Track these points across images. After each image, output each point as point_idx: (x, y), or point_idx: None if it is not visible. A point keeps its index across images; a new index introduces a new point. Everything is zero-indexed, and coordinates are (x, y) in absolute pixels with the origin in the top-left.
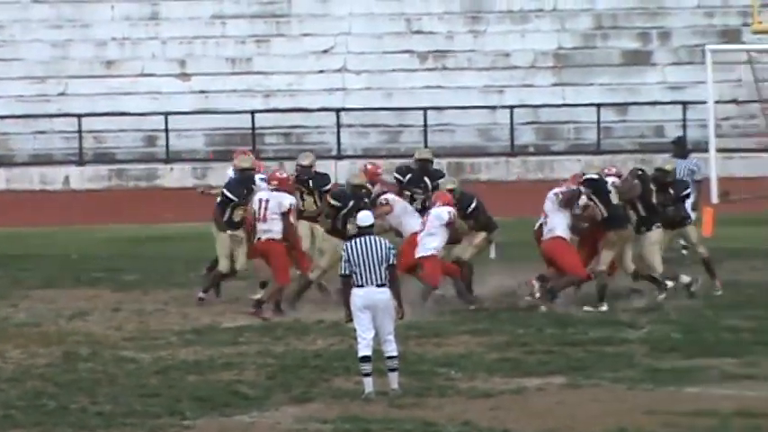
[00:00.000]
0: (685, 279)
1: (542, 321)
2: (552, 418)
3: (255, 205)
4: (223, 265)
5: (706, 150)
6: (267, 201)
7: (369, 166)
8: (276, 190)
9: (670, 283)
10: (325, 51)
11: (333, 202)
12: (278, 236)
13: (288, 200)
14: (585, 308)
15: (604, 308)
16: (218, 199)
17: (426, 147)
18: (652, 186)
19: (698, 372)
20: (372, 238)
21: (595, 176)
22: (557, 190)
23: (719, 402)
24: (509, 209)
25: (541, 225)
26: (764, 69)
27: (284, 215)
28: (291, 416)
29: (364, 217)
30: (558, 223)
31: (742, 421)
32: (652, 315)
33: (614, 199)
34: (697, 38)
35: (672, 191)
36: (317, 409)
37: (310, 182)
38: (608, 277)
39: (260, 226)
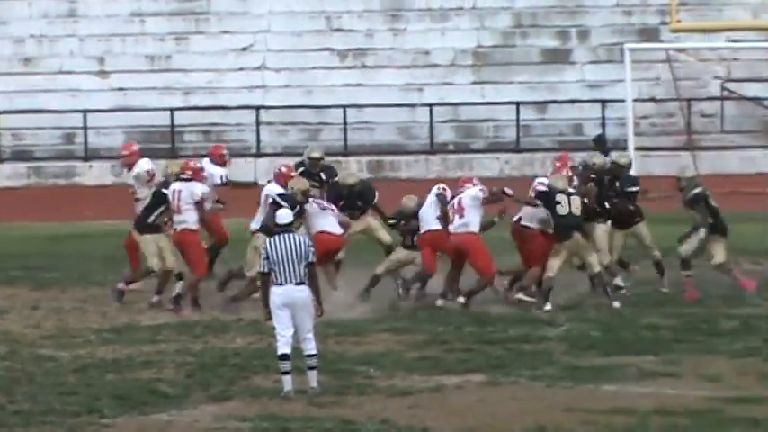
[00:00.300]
0: (619, 282)
1: (461, 320)
2: (471, 416)
3: (170, 197)
4: (153, 264)
5: (625, 149)
6: (180, 191)
7: (283, 169)
8: (189, 180)
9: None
10: (244, 49)
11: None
12: (193, 226)
13: (200, 189)
14: (519, 295)
15: (548, 307)
16: (147, 201)
17: (346, 145)
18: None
19: (616, 369)
20: (292, 235)
21: (545, 189)
22: (483, 186)
23: (638, 400)
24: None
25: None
26: (683, 68)
27: (197, 204)
28: (210, 414)
29: (283, 215)
30: (472, 220)
31: (660, 419)
32: (571, 313)
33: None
34: (616, 36)
35: (618, 185)
36: (236, 407)
37: (322, 174)
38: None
39: (175, 217)
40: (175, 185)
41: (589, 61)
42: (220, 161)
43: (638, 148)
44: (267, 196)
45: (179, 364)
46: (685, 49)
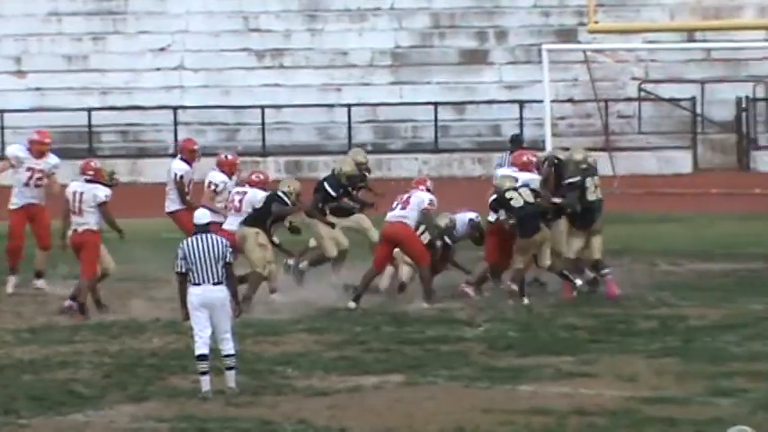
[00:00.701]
0: (579, 281)
1: (379, 320)
2: (389, 417)
3: (69, 197)
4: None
5: (542, 149)
6: (81, 193)
7: (230, 156)
8: (90, 181)
9: (579, 282)
10: (162, 49)
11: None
12: (94, 227)
13: (102, 191)
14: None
15: (526, 301)
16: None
17: (264, 146)
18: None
19: (534, 370)
20: (210, 235)
21: (494, 196)
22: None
23: (555, 400)
24: None
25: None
26: (600, 69)
27: (100, 206)
28: (127, 414)
29: (201, 215)
30: (411, 215)
31: (578, 419)
32: (489, 313)
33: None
34: (533, 37)
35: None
36: (154, 407)
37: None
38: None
39: (75, 219)
40: (75, 186)
41: (507, 62)
42: (190, 156)
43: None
44: (211, 182)
45: (96, 364)
46: (603, 50)
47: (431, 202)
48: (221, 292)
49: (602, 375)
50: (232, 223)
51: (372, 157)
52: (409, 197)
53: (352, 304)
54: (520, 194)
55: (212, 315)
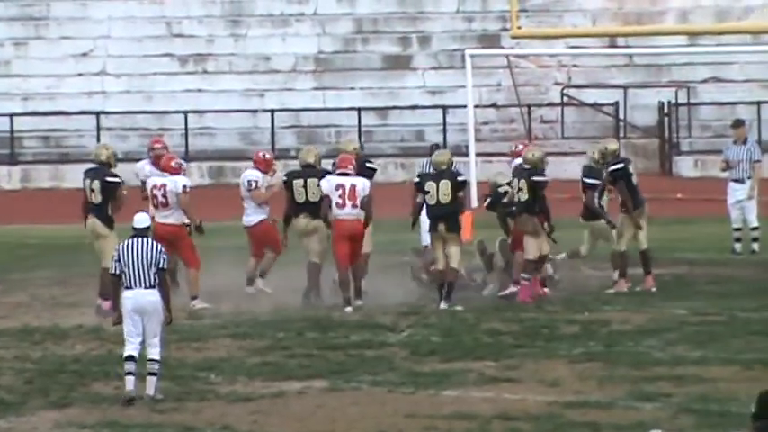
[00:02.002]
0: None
1: (302, 325)
2: (312, 422)
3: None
4: None
5: (466, 155)
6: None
7: (267, 156)
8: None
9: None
10: (84, 54)
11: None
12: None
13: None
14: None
15: (443, 305)
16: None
17: (187, 151)
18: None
19: (457, 375)
20: (145, 239)
21: (490, 195)
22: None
23: (479, 405)
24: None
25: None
26: (523, 74)
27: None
28: (50, 421)
29: (140, 219)
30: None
31: (501, 424)
32: (412, 319)
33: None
34: (457, 43)
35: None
36: (76, 414)
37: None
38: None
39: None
40: (156, 180)
41: (430, 67)
42: (175, 171)
43: (479, 154)
44: (249, 181)
45: (18, 370)
46: (526, 56)
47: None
48: (153, 296)
49: (526, 380)
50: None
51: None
52: (354, 189)
53: (349, 309)
54: (437, 189)
55: (143, 320)
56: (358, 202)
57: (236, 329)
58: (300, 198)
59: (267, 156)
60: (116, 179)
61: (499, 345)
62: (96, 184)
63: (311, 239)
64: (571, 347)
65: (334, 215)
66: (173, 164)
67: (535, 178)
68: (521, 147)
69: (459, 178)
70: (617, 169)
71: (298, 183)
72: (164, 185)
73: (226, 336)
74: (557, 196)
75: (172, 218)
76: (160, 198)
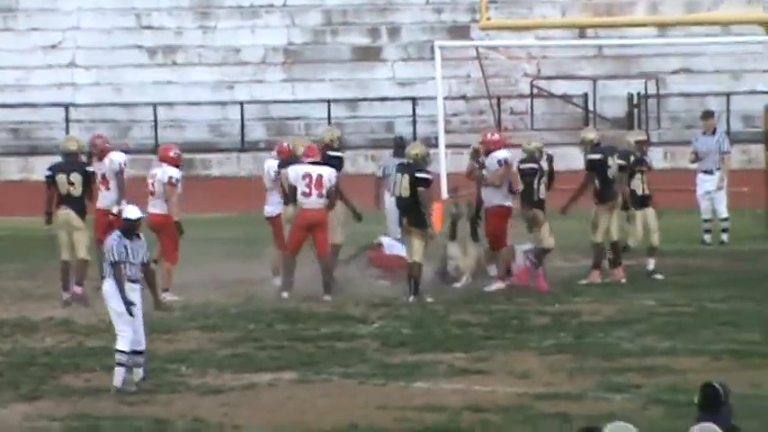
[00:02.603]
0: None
1: (273, 317)
2: (283, 414)
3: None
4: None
5: (436, 146)
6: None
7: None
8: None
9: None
10: (53, 46)
11: None
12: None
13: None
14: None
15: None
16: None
17: (156, 143)
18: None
19: (428, 367)
20: (135, 234)
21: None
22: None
23: (449, 397)
24: (239, 204)
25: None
26: (493, 65)
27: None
28: (20, 413)
29: (131, 210)
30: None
31: (471, 416)
32: (382, 311)
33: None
34: (426, 34)
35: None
36: (47, 406)
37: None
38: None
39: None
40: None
41: (400, 59)
42: (173, 162)
43: (448, 146)
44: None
45: None
46: (495, 47)
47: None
48: (136, 292)
49: (496, 372)
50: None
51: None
52: (320, 179)
53: (285, 295)
54: (400, 183)
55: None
56: (324, 192)
57: (206, 321)
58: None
59: (291, 146)
60: (93, 168)
61: (469, 336)
62: (76, 177)
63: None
64: (541, 339)
65: (300, 204)
66: (171, 154)
67: (418, 175)
68: (496, 135)
69: (418, 174)
70: (593, 159)
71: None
72: (154, 174)
73: (196, 328)
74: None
75: (159, 207)
76: (149, 186)
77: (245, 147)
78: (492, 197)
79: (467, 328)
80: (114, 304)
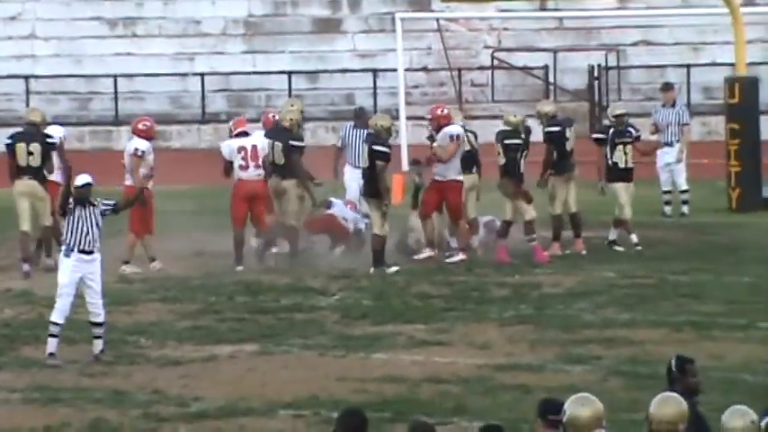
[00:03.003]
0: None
1: (233, 289)
2: (243, 386)
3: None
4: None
5: (396, 118)
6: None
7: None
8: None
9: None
10: (12, 18)
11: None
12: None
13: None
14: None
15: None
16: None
17: (117, 115)
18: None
19: (388, 338)
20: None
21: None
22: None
23: (409, 368)
24: (200, 177)
25: None
26: (453, 37)
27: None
28: None
29: (81, 177)
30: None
31: (430, 387)
32: (343, 282)
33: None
34: (387, 6)
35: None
36: (6, 378)
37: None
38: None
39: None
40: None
41: (360, 30)
42: (142, 133)
43: (409, 118)
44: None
45: None
46: (456, 19)
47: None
48: (91, 263)
49: (456, 343)
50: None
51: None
52: (255, 149)
53: (240, 268)
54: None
55: (84, 283)
56: (260, 162)
57: (167, 293)
58: (269, 159)
59: (276, 116)
60: (55, 140)
61: (429, 308)
62: (36, 147)
63: (283, 201)
64: (502, 311)
65: (237, 177)
66: (140, 126)
67: (375, 147)
68: (446, 110)
69: (375, 147)
70: (551, 131)
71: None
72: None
73: (156, 300)
74: (486, 159)
75: (130, 180)
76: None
77: (205, 118)
78: (446, 171)
79: (427, 300)
80: (58, 275)
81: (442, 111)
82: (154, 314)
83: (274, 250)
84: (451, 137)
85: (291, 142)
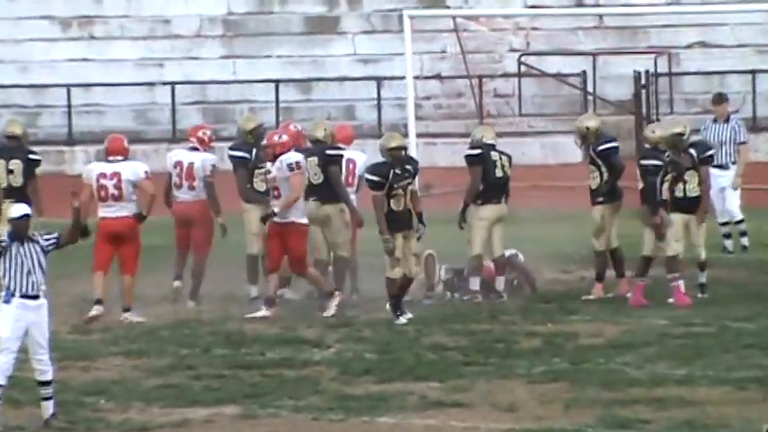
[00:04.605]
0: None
1: (210, 339)
2: None
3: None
4: None
5: (405, 134)
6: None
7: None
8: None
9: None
10: None
11: None
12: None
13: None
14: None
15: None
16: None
17: (70, 133)
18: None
19: (395, 398)
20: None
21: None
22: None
23: None
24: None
25: None
26: (473, 39)
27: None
28: None
29: (14, 209)
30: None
31: None
32: (342, 332)
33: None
34: (393, 1)
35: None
36: None
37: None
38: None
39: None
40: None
41: (362, 31)
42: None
43: (420, 135)
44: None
45: None
46: (476, 17)
47: (213, 167)
48: (34, 310)
49: (477, 404)
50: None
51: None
52: (191, 168)
53: (191, 303)
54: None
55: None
56: (195, 183)
57: (131, 346)
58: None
59: (301, 128)
60: (39, 156)
61: (445, 362)
62: (17, 164)
63: (326, 231)
64: (531, 365)
65: (173, 196)
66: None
67: (329, 152)
68: (284, 136)
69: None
70: (607, 149)
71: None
72: (116, 173)
73: (118, 353)
74: (514, 184)
75: (125, 210)
76: (111, 190)
77: (176, 137)
78: (286, 211)
79: (442, 353)
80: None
81: (280, 137)
82: (116, 370)
83: (288, 296)
84: (290, 166)
85: (328, 152)
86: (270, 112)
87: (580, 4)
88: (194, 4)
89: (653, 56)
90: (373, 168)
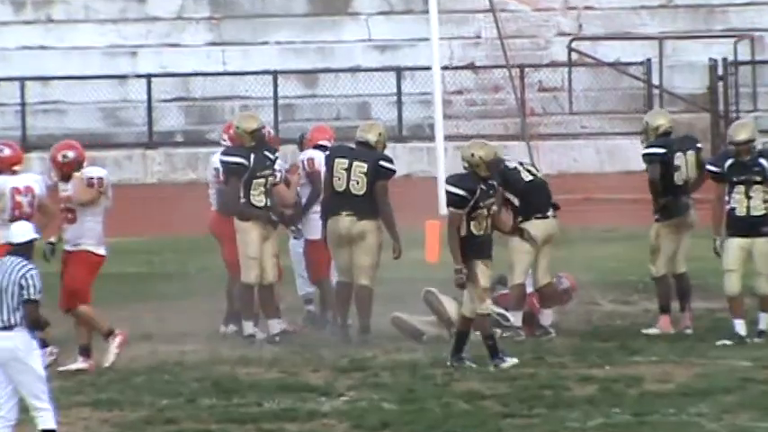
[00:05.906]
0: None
1: (196, 387)
2: None
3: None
4: None
5: (431, 138)
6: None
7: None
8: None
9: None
10: None
11: None
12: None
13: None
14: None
15: None
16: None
17: (24, 135)
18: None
19: None
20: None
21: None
22: None
23: None
24: (148, 225)
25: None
26: (513, 21)
27: None
28: None
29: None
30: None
31: None
32: (354, 377)
33: None
34: None
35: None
36: None
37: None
38: None
39: None
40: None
41: (378, 11)
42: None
43: (449, 137)
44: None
45: None
46: None
47: None
48: (11, 341)
49: None
50: None
51: (183, 151)
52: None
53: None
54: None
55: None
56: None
57: (99, 395)
58: (340, 186)
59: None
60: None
61: (481, 414)
62: None
63: (355, 249)
64: (586, 417)
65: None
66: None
67: (383, 163)
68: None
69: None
70: (651, 154)
71: (340, 163)
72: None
73: (84, 404)
74: (563, 197)
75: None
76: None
77: (153, 141)
78: (78, 236)
79: (477, 402)
80: None
81: (64, 157)
82: (81, 425)
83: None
84: (90, 180)
85: (382, 163)
86: (267, 110)
87: None
88: None
89: (732, 40)
90: (459, 180)
